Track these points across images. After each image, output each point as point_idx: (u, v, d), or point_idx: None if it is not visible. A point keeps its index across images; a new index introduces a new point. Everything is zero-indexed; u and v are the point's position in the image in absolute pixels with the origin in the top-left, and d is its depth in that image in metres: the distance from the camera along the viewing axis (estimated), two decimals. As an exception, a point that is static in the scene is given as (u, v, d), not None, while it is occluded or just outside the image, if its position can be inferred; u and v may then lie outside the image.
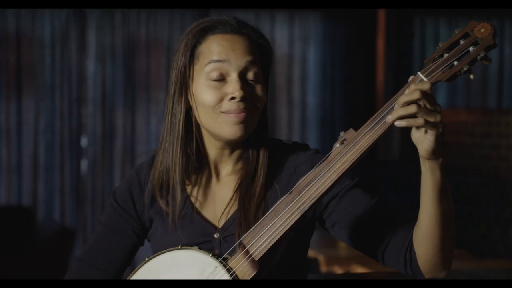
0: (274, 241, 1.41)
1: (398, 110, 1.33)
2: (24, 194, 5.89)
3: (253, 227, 1.44)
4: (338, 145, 1.41)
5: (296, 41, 6.34)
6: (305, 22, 6.33)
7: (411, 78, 1.39)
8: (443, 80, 1.38)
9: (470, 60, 1.38)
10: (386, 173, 5.97)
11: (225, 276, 1.43)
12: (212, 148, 1.58)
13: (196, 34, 1.53)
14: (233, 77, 1.50)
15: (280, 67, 6.25)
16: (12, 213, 5.38)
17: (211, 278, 1.45)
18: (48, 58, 5.89)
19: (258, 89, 1.53)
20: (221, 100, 1.50)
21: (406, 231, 1.50)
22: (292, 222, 1.41)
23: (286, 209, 1.41)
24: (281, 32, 6.27)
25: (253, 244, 1.42)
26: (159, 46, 6.04)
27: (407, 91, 1.34)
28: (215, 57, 1.51)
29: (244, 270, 1.42)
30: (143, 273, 1.51)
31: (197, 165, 1.59)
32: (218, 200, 1.59)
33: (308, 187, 1.41)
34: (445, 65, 1.38)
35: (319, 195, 1.41)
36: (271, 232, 1.42)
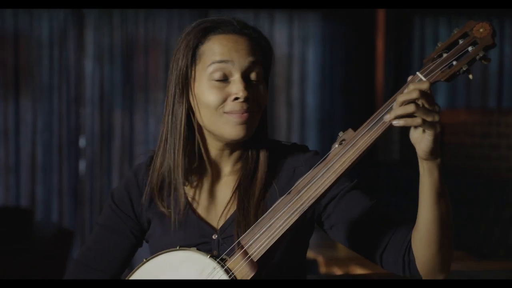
0: (273, 241, 1.41)
1: (396, 109, 1.33)
2: (22, 195, 5.89)
3: (251, 228, 1.44)
4: (337, 146, 1.41)
5: (296, 41, 6.34)
6: (305, 22, 6.33)
7: (410, 78, 1.39)
8: (442, 80, 1.38)
9: (469, 60, 1.38)
10: (386, 174, 5.96)
11: (224, 277, 1.43)
12: (212, 149, 1.58)
13: (197, 34, 1.53)
14: (236, 77, 1.50)
15: (279, 67, 6.24)
16: (9, 214, 5.36)
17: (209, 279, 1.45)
18: (46, 58, 5.89)
19: (261, 89, 1.53)
20: (224, 100, 1.50)
21: (404, 233, 1.49)
22: (291, 223, 1.41)
23: (285, 210, 1.41)
24: (280, 32, 6.27)
25: (251, 244, 1.42)
26: (157, 46, 6.04)
27: (406, 90, 1.34)
28: (218, 58, 1.50)
29: (243, 271, 1.42)
30: (141, 274, 1.51)
31: (197, 165, 1.59)
32: (217, 201, 1.59)
33: (307, 188, 1.41)
34: (444, 65, 1.38)
35: (318, 195, 1.40)
36: (270, 233, 1.42)
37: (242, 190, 1.56)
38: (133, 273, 1.52)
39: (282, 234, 1.41)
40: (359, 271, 4.19)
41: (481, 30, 1.38)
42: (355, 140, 1.39)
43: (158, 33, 6.03)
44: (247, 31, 1.54)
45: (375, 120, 1.38)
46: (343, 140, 1.41)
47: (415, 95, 1.32)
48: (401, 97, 1.33)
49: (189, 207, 1.58)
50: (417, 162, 1.39)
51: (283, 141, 1.64)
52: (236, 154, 1.59)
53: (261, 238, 1.42)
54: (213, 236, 1.56)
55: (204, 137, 1.57)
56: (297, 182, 1.43)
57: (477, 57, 1.38)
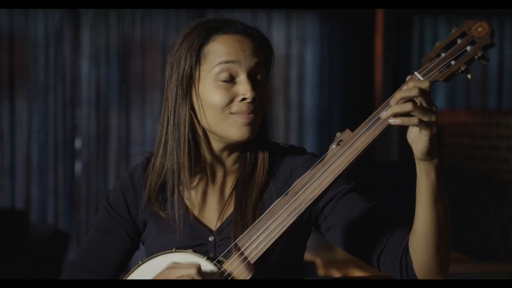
0: (270, 243, 1.41)
1: (394, 107, 1.33)
2: (17, 196, 5.88)
3: (248, 229, 1.43)
4: (334, 146, 1.41)
5: (293, 41, 6.32)
6: (303, 22, 6.32)
7: (408, 78, 1.38)
8: (440, 80, 1.37)
9: (467, 60, 1.37)
10: (384, 175, 5.96)
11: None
12: (211, 150, 1.57)
13: (201, 34, 1.52)
14: (242, 78, 1.50)
15: (277, 67, 6.23)
16: (4, 216, 5.34)
17: None
18: (41, 58, 5.88)
19: (265, 90, 1.53)
20: (231, 101, 1.50)
21: (402, 235, 1.49)
22: (288, 225, 1.41)
23: (282, 211, 1.41)
24: (278, 32, 6.25)
25: (248, 246, 1.42)
26: (154, 47, 6.03)
27: (405, 87, 1.35)
28: (224, 58, 1.50)
29: (240, 273, 1.42)
30: (136, 276, 1.51)
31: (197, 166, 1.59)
32: (213, 202, 1.58)
33: (304, 189, 1.41)
34: (442, 64, 1.37)
35: (315, 197, 1.40)
36: (267, 235, 1.41)
37: (240, 191, 1.56)
38: (129, 275, 1.51)
39: (279, 236, 1.41)
40: (357, 273, 4.17)
41: (479, 29, 1.37)
42: (352, 141, 1.39)
43: (155, 33, 6.02)
44: (250, 31, 1.54)
45: (373, 121, 1.37)
46: (341, 140, 1.40)
47: (414, 92, 1.31)
48: (400, 94, 1.33)
49: (185, 209, 1.57)
50: (415, 163, 1.39)
51: (280, 143, 1.64)
52: (234, 155, 1.58)
53: (258, 240, 1.41)
54: (209, 238, 1.55)
55: (206, 138, 1.56)
56: (294, 184, 1.42)
57: (476, 57, 1.37)
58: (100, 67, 5.95)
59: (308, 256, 4.29)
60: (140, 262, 1.51)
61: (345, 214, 1.53)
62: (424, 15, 6.51)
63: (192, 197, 1.58)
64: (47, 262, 4.96)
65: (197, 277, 1.38)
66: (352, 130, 1.40)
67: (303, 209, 1.40)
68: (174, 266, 1.41)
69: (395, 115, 1.33)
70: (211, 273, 1.44)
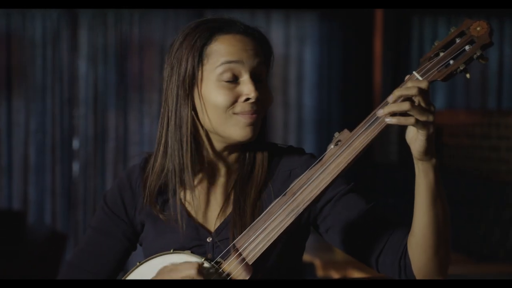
0: (268, 244, 1.41)
1: (391, 105, 1.32)
2: (14, 196, 5.87)
3: (246, 230, 1.43)
4: (332, 147, 1.41)
5: (292, 41, 6.31)
6: (301, 22, 6.31)
7: (407, 77, 1.38)
8: (439, 79, 1.37)
9: (466, 59, 1.37)
10: (383, 175, 5.97)
11: None
12: (211, 150, 1.56)
13: (203, 35, 1.51)
14: (246, 78, 1.50)
15: (276, 67, 6.21)
16: (1, 216, 5.36)
17: None
18: (39, 58, 5.87)
19: (267, 90, 1.53)
20: (234, 101, 1.49)
21: (401, 236, 1.48)
22: (286, 225, 1.40)
23: (280, 212, 1.41)
24: (277, 32, 6.24)
25: (246, 247, 1.42)
26: (152, 47, 6.03)
27: (403, 86, 1.35)
28: (228, 58, 1.49)
29: (238, 274, 1.42)
30: (135, 277, 1.51)
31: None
32: (211, 203, 1.58)
33: (302, 189, 1.41)
34: (441, 64, 1.37)
35: (314, 197, 1.40)
36: (265, 235, 1.41)
37: (238, 190, 1.55)
38: (127, 276, 1.51)
39: (278, 237, 1.40)
40: (356, 274, 4.17)
41: (478, 28, 1.37)
42: (351, 141, 1.38)
43: (153, 33, 6.02)
44: (251, 31, 1.54)
45: (371, 121, 1.37)
46: (339, 141, 1.40)
47: (412, 91, 1.31)
48: (398, 91, 1.33)
49: (183, 209, 1.56)
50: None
51: (279, 143, 1.63)
52: (234, 156, 1.57)
53: (256, 241, 1.41)
54: (207, 239, 1.54)
55: (207, 139, 1.55)
56: (293, 184, 1.42)
57: (475, 56, 1.37)
58: (98, 67, 5.94)
59: (307, 257, 4.28)
60: (138, 263, 1.50)
61: (344, 215, 1.52)
62: (424, 15, 6.50)
63: (190, 198, 1.57)
64: (45, 262, 4.95)
65: (197, 278, 1.38)
66: (351, 130, 1.40)
67: (301, 210, 1.40)
68: (174, 267, 1.41)
69: (393, 114, 1.32)
70: (209, 274, 1.43)
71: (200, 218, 1.57)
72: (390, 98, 1.34)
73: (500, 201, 4.69)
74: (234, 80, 1.50)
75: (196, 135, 1.54)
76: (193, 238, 1.54)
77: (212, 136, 1.54)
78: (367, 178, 5.79)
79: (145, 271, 1.49)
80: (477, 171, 5.33)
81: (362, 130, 1.38)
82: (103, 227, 1.62)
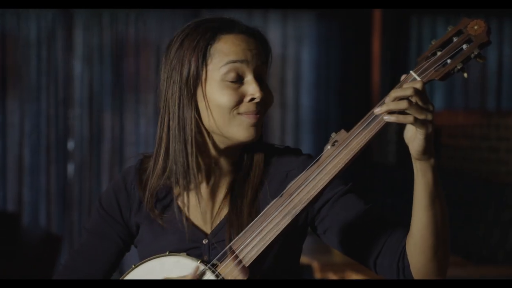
0: (265, 246, 1.40)
1: (389, 103, 1.32)
2: (8, 198, 5.85)
3: (242, 232, 1.43)
4: (329, 147, 1.40)
5: (290, 41, 6.31)
6: (299, 21, 6.31)
7: (403, 77, 1.38)
8: (436, 79, 1.37)
9: (463, 58, 1.36)
10: (382, 175, 5.99)
11: None
12: (211, 151, 1.55)
13: (205, 34, 1.50)
14: (250, 78, 1.49)
15: (273, 67, 6.13)
16: (-4, 218, 5.36)
17: None
18: (34, 58, 5.86)
19: (269, 90, 1.53)
20: (239, 101, 1.49)
21: (399, 237, 1.47)
22: (283, 227, 1.40)
23: (277, 213, 1.41)
24: (274, 32, 6.23)
25: (243, 249, 1.41)
26: (148, 47, 6.02)
27: (400, 87, 1.35)
28: (233, 57, 1.48)
29: (234, 276, 1.41)
30: None
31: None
32: (207, 204, 1.56)
33: (299, 190, 1.40)
34: (438, 63, 1.37)
35: (311, 198, 1.39)
36: (261, 237, 1.40)
37: (235, 192, 1.55)
38: (122, 279, 1.50)
39: (274, 238, 1.40)
40: (354, 276, 4.18)
41: (475, 27, 1.37)
42: (348, 141, 1.38)
43: (149, 34, 6.02)
44: (252, 31, 1.53)
45: (369, 121, 1.37)
46: (336, 141, 1.40)
47: (408, 92, 1.31)
48: (395, 92, 1.33)
49: (179, 211, 1.55)
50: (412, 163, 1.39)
51: (276, 144, 1.63)
52: (233, 157, 1.56)
53: (252, 243, 1.41)
54: (203, 241, 1.53)
55: (209, 139, 1.54)
56: (289, 185, 1.42)
57: (472, 55, 1.36)
58: (93, 67, 5.93)
59: (304, 259, 4.28)
60: (133, 266, 1.49)
61: (342, 216, 1.51)
62: (422, 14, 6.50)
63: (186, 199, 1.56)
64: (39, 264, 4.96)
65: None
66: (348, 130, 1.39)
67: (298, 211, 1.39)
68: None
69: (391, 112, 1.32)
70: (205, 277, 1.43)
71: (196, 220, 1.56)
72: (387, 100, 1.33)
73: (499, 202, 4.70)
74: (239, 80, 1.49)
75: (198, 136, 1.53)
76: (189, 240, 1.53)
77: (215, 137, 1.53)
78: (365, 178, 5.80)
79: (141, 273, 1.48)
80: (476, 172, 5.34)
81: (359, 130, 1.37)
82: (98, 229, 1.61)
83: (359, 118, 1.40)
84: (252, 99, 1.49)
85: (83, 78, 5.93)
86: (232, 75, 1.48)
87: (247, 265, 1.40)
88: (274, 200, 1.42)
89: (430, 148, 1.34)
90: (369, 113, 1.37)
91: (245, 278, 1.40)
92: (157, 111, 1.57)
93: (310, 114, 6.36)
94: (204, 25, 1.51)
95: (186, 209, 1.56)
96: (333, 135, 1.41)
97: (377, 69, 6.40)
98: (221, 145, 1.53)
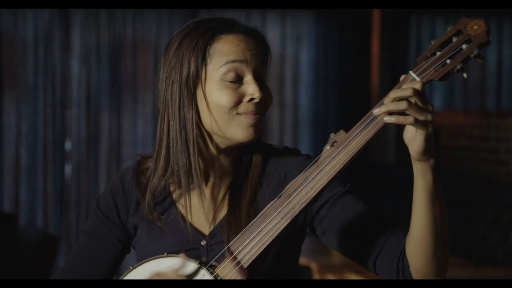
0: (263, 247, 1.40)
1: (388, 104, 1.32)
2: (5, 199, 5.84)
3: (241, 233, 1.43)
4: (328, 147, 1.40)
5: (288, 41, 6.31)
6: (298, 21, 6.31)
7: (402, 77, 1.38)
8: (435, 79, 1.37)
9: (463, 58, 1.36)
10: (381, 176, 5.99)
11: None
12: (209, 152, 1.54)
13: (205, 34, 1.50)
14: (249, 78, 1.49)
15: (272, 67, 6.12)
16: (-8, 219, 5.34)
17: None
18: (31, 58, 5.85)
19: (268, 91, 1.53)
20: (238, 101, 1.49)
21: (399, 238, 1.47)
22: (282, 228, 1.40)
23: (275, 214, 1.40)
24: (272, 32, 6.24)
25: (241, 250, 1.41)
26: (146, 47, 6.01)
27: (399, 88, 1.35)
28: (232, 57, 1.48)
29: (232, 277, 1.41)
30: None
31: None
32: (206, 205, 1.56)
33: (298, 191, 1.40)
34: (438, 63, 1.37)
35: (309, 199, 1.39)
36: (260, 238, 1.40)
37: (233, 192, 1.55)
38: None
39: (273, 240, 1.40)
40: (353, 278, 4.19)
41: (475, 27, 1.37)
42: (347, 142, 1.38)
43: (147, 34, 6.01)
44: (251, 31, 1.53)
45: (368, 121, 1.37)
46: (335, 141, 1.39)
47: (408, 93, 1.31)
48: (394, 93, 1.33)
49: (176, 212, 1.55)
50: (412, 163, 1.39)
51: (274, 144, 1.63)
52: (231, 157, 1.56)
53: (251, 244, 1.40)
54: (201, 242, 1.53)
55: (209, 139, 1.54)
56: (288, 186, 1.42)
57: (472, 55, 1.36)
58: (91, 67, 5.93)
59: (303, 260, 4.29)
60: (131, 267, 1.49)
61: (341, 216, 1.51)
62: (422, 14, 6.50)
63: (184, 200, 1.55)
64: (36, 266, 4.93)
65: None
66: (347, 130, 1.39)
67: (296, 212, 1.39)
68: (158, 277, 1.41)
69: (391, 113, 1.32)
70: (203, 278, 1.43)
71: (194, 221, 1.55)
72: (386, 101, 1.33)
73: (499, 203, 4.70)
74: (238, 80, 1.49)
75: (211, 137, 1.53)
76: (187, 241, 1.53)
77: (214, 137, 1.53)
78: (364, 178, 5.81)
79: (138, 275, 1.47)
80: (475, 173, 5.34)
81: (358, 130, 1.37)
82: (96, 231, 1.61)
83: (358, 118, 1.39)
84: (252, 99, 1.48)
85: (81, 78, 5.92)
86: (231, 75, 1.48)
87: (245, 266, 1.40)
88: (273, 201, 1.42)
89: (430, 149, 1.34)
90: (368, 114, 1.37)
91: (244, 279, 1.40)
92: (155, 111, 1.57)
93: (308, 114, 6.36)
94: (204, 25, 1.51)
95: (184, 210, 1.55)
96: (332, 135, 1.40)
97: (376, 69, 6.40)
98: (221, 145, 1.53)
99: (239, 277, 1.40)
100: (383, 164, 6.33)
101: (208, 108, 1.50)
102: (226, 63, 1.48)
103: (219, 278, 1.41)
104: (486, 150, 5.29)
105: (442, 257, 1.42)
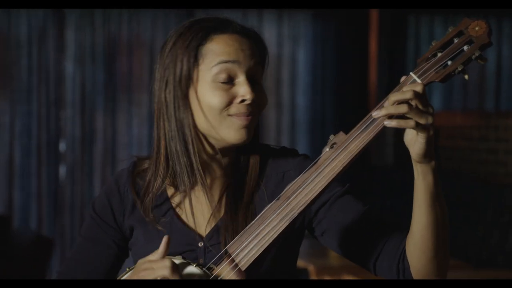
0: (262, 250, 1.40)
1: (388, 107, 1.31)
2: (-2, 201, 5.87)
3: (239, 235, 1.43)
4: (327, 149, 1.40)
5: (285, 41, 6.30)
6: (294, 21, 6.30)
7: (403, 78, 1.37)
8: (436, 80, 1.36)
9: (464, 60, 1.36)
10: (380, 178, 5.99)
11: None
12: (204, 153, 1.54)
13: (198, 34, 1.50)
14: (242, 79, 1.48)
15: (269, 67, 6.13)
16: (-15, 221, 5.34)
17: None
18: (25, 58, 5.84)
19: (263, 92, 1.53)
20: (230, 102, 1.48)
21: (399, 239, 1.47)
22: (280, 230, 1.40)
23: (274, 216, 1.41)
24: (269, 32, 6.23)
25: (239, 253, 1.41)
26: (141, 47, 6.00)
27: (399, 90, 1.35)
28: (224, 58, 1.48)
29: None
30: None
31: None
32: (203, 207, 1.56)
33: (297, 193, 1.40)
34: (439, 65, 1.36)
35: (308, 201, 1.40)
36: (258, 240, 1.40)
37: (230, 194, 1.54)
38: None
39: (271, 242, 1.40)
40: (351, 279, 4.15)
41: (476, 28, 1.36)
42: (346, 144, 1.38)
43: (142, 33, 6.00)
44: (247, 31, 1.53)
45: (367, 123, 1.37)
46: (334, 143, 1.40)
47: (408, 95, 1.30)
48: (394, 96, 1.31)
49: (173, 214, 1.55)
50: (412, 165, 1.38)
51: (271, 144, 1.62)
52: (227, 159, 1.56)
53: (249, 246, 1.41)
54: (199, 244, 1.53)
55: (205, 140, 1.53)
56: (287, 188, 1.42)
57: (473, 57, 1.35)
58: (85, 67, 5.92)
59: (300, 262, 4.28)
60: (127, 269, 1.47)
61: (340, 217, 1.51)
62: (420, 14, 6.49)
63: (181, 202, 1.56)
64: (30, 268, 4.91)
65: (172, 277, 1.35)
66: (346, 132, 1.39)
67: (295, 214, 1.39)
68: (149, 266, 1.38)
69: (391, 117, 1.31)
70: (189, 276, 1.42)
71: (191, 223, 1.55)
72: (386, 103, 1.33)
73: (498, 204, 4.70)
74: (230, 81, 1.48)
75: (206, 138, 1.53)
76: (184, 243, 1.53)
77: (208, 138, 1.52)
78: (363, 180, 5.81)
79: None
80: (474, 173, 5.34)
81: (358, 132, 1.37)
82: (92, 234, 1.60)
83: (355, 119, 1.40)
84: (243, 100, 1.47)
85: (75, 79, 5.91)
86: (223, 76, 1.47)
87: (243, 269, 1.39)
88: (271, 203, 1.41)
89: (431, 151, 1.33)
90: (368, 116, 1.36)
91: (242, 282, 1.40)
92: (151, 111, 1.56)
93: (306, 115, 6.35)
94: (198, 25, 1.50)
95: (181, 211, 1.55)
96: (331, 137, 1.40)
97: (374, 69, 6.40)
98: (217, 146, 1.52)
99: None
100: (382, 166, 6.33)
101: (201, 109, 1.48)
102: (218, 63, 1.46)
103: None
104: (485, 150, 5.29)
105: (442, 258, 1.42)
